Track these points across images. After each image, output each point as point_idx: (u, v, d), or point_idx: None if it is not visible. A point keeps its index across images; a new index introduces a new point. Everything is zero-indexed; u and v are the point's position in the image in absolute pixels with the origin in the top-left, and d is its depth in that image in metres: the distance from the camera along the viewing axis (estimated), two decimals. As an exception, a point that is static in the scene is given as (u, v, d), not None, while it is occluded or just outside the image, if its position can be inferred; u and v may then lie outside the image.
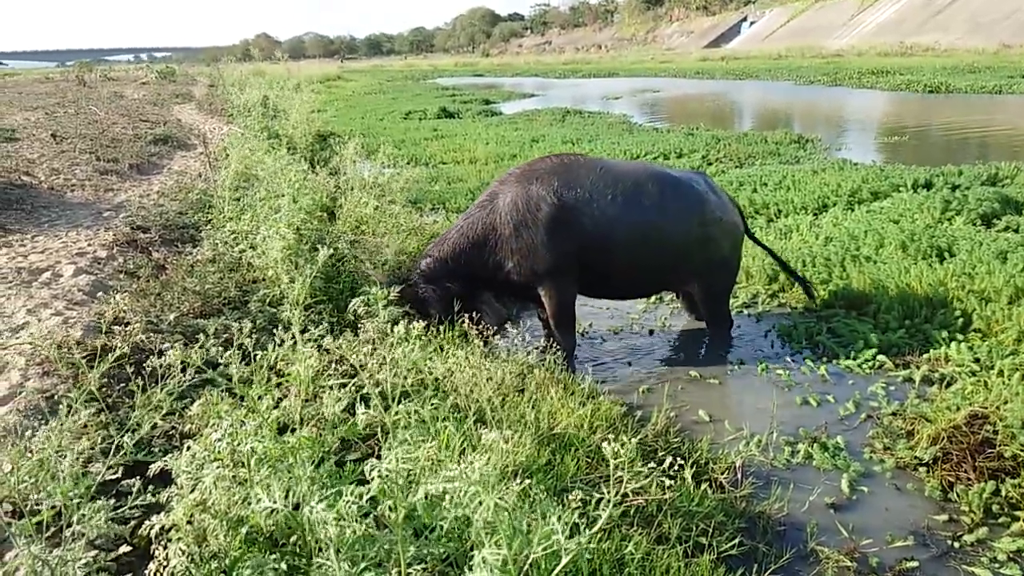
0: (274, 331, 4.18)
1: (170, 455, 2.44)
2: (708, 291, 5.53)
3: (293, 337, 2.83)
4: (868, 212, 8.61)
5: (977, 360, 4.94)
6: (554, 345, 5.34)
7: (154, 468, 2.52)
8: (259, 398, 2.38)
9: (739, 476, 3.71)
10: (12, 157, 9.57)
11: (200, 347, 3.66)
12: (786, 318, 6.04)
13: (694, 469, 3.63)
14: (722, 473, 3.74)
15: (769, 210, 9.10)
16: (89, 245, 5.54)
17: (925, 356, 5.12)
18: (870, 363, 5.12)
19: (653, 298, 6.54)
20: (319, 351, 3.82)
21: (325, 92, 34.72)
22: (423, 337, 4.34)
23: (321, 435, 2.08)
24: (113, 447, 2.55)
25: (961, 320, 5.46)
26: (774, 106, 25.48)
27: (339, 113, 24.20)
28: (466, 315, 4.91)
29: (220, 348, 3.74)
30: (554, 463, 3.36)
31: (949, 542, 3.35)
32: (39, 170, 8.76)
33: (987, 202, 8.35)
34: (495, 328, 4.75)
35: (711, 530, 3.19)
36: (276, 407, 2.68)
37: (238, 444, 2.12)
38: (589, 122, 19.19)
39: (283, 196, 5.66)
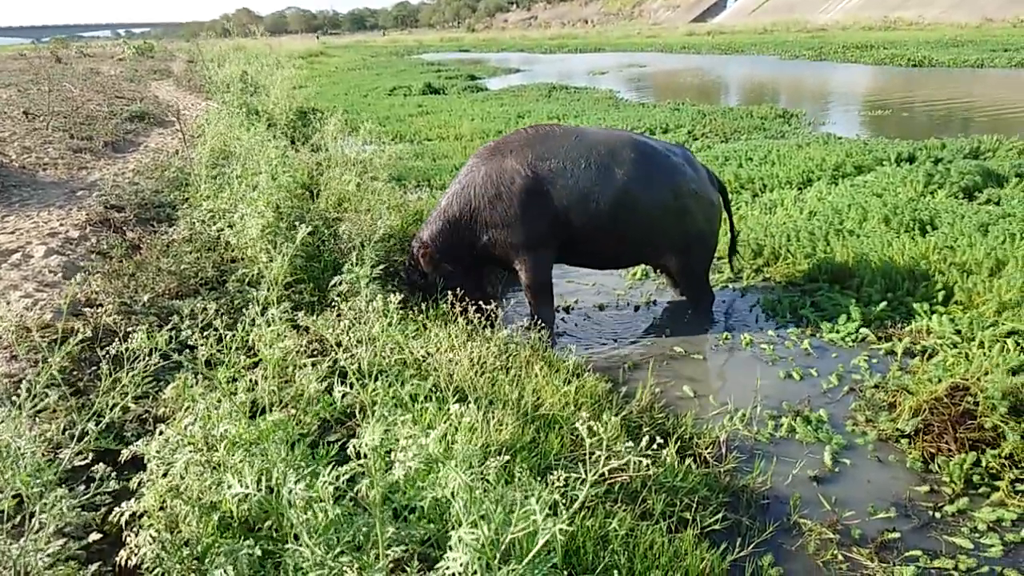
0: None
1: (142, 440, 2.38)
2: (685, 266, 5.48)
3: (267, 315, 2.75)
4: (852, 186, 8.60)
5: (958, 332, 4.95)
6: (536, 320, 5.32)
7: (126, 453, 2.46)
8: (232, 380, 2.32)
9: (723, 451, 3.71)
10: (-18, 136, 9.35)
11: (172, 329, 3.60)
12: (771, 292, 6.03)
13: (678, 444, 3.61)
14: (706, 448, 3.74)
15: (754, 185, 9.07)
16: (61, 225, 5.41)
17: (907, 328, 5.14)
18: (853, 336, 5.13)
19: (639, 273, 6.51)
20: (296, 330, 3.77)
21: (308, 68, 34.22)
22: (403, 314, 4.32)
23: (296, 416, 2.04)
24: (79, 433, 2.49)
25: (943, 292, 5.47)
26: (760, 81, 25.38)
27: (322, 89, 23.86)
28: (451, 295, 4.88)
29: (196, 329, 3.70)
30: (538, 441, 3.34)
31: (930, 513, 3.37)
32: (10, 148, 8.54)
33: (969, 175, 8.37)
34: (480, 308, 4.71)
35: (695, 505, 3.19)
36: (251, 389, 2.63)
37: (210, 428, 2.07)
38: (575, 97, 19.03)
39: (261, 173, 5.56)
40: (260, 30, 26.94)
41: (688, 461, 3.49)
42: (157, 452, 2.14)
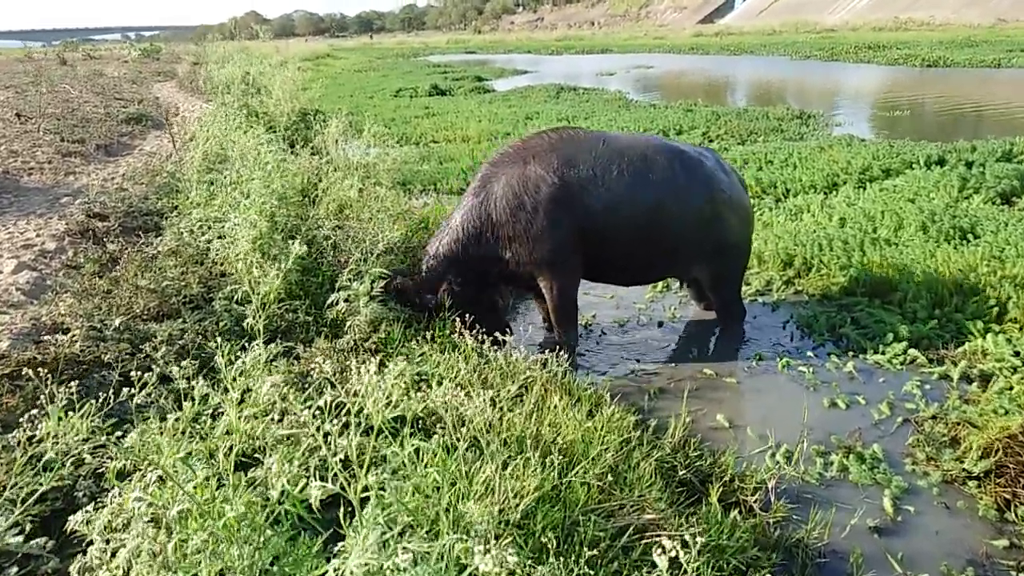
0: (242, 334, 3.71)
1: (88, 509, 1.96)
2: (717, 277, 5.05)
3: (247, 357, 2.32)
4: (881, 191, 8.16)
5: (1017, 354, 4.51)
6: (554, 341, 4.88)
7: (73, 521, 2.04)
8: (197, 437, 1.89)
9: (771, 497, 3.26)
10: (-30, 139, 8.96)
11: (145, 358, 3.17)
12: (804, 307, 5.58)
13: (720, 490, 3.17)
14: (751, 493, 3.29)
15: (776, 189, 8.62)
16: (38, 236, 5.00)
17: (960, 350, 4.69)
18: (901, 358, 4.68)
19: (660, 286, 6.07)
20: (286, 357, 3.35)
21: (313, 69, 33.87)
22: (406, 349, 3.86)
23: (265, 504, 1.61)
24: (20, 495, 2.07)
25: (996, 309, 5.03)
26: (772, 82, 24.89)
27: (327, 91, 23.49)
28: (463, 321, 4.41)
29: (170, 359, 3.27)
30: (560, 489, 2.90)
31: (1012, 573, 2.92)
32: (-5, 152, 8.17)
33: (1006, 179, 7.92)
34: (494, 338, 4.26)
35: (745, 568, 2.74)
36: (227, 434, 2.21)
37: (166, 502, 1.64)
38: (584, 99, 18.60)
39: (255, 180, 5.14)
40: (265, 33, 26.57)
41: (733, 512, 3.04)
42: (99, 533, 1.72)
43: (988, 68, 24.13)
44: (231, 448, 1.71)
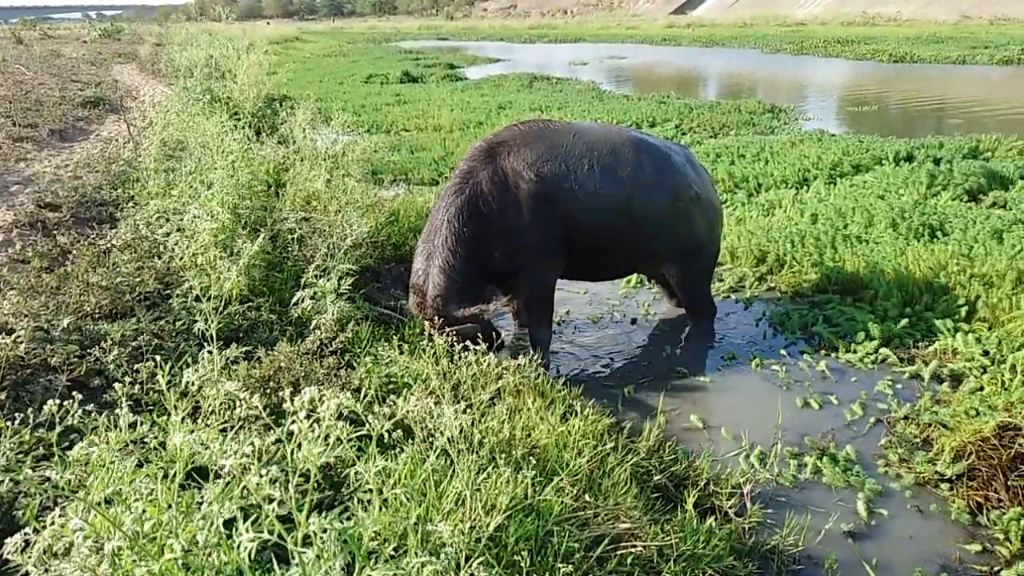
0: (201, 334, 3.54)
1: (26, 530, 1.82)
2: (685, 276, 4.98)
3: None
4: (852, 187, 8.19)
5: (986, 353, 4.51)
6: (528, 337, 4.78)
7: (9, 545, 1.89)
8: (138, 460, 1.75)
9: (746, 502, 3.20)
10: (-87, 122, 8.53)
11: (95, 362, 3.01)
12: (777, 304, 5.56)
13: (695, 496, 3.10)
14: (727, 499, 3.23)
15: (749, 184, 8.61)
16: (-16, 227, 4.77)
17: (931, 349, 4.69)
18: (872, 357, 4.67)
19: (634, 280, 6.00)
20: (247, 360, 3.20)
21: (281, 53, 33.24)
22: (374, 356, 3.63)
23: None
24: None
25: (965, 308, 5.04)
26: (743, 75, 24.99)
27: (295, 76, 23.05)
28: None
29: (126, 359, 3.10)
30: (533, 499, 2.80)
31: (986, 579, 2.91)
32: (-59, 136, 7.79)
33: (973, 176, 8.00)
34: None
35: (720, 577, 2.68)
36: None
37: (105, 535, 1.51)
38: (557, 88, 18.48)
39: (217, 169, 4.94)
40: (229, 14, 25.93)
41: (708, 519, 2.98)
42: (35, 564, 1.58)
43: (953, 64, 24.47)
44: (174, 475, 1.58)
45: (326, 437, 1.35)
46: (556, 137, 4.41)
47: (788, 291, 5.74)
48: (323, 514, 1.47)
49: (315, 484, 1.33)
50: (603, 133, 4.60)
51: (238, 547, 1.29)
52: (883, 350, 4.69)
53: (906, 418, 3.97)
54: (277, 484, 1.26)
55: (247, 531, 1.30)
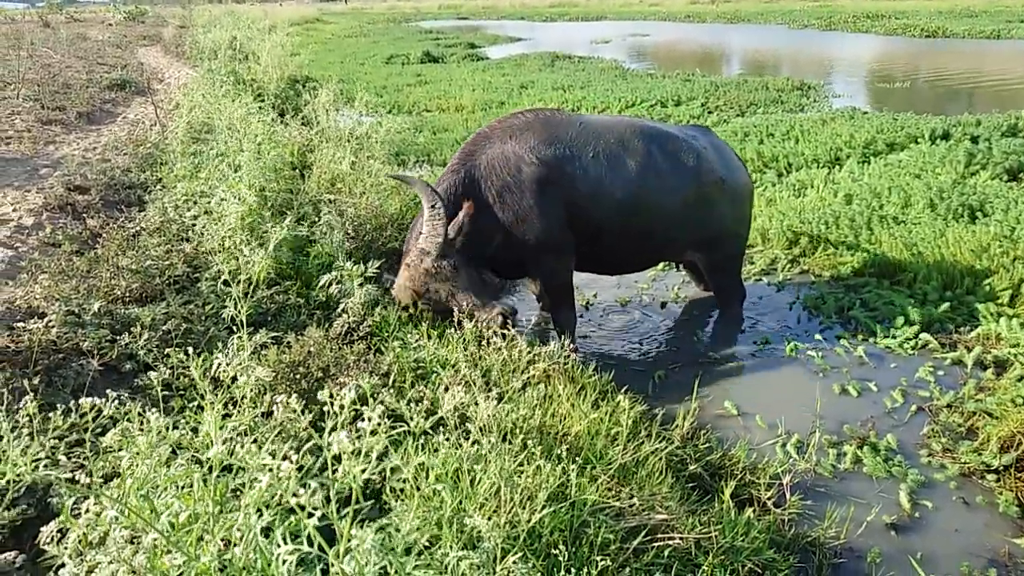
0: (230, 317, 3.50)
1: (59, 520, 1.79)
2: (713, 262, 4.85)
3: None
4: (887, 166, 7.99)
5: (1032, 339, 4.37)
6: (552, 322, 4.71)
7: (45, 532, 1.87)
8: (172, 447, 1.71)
9: (785, 492, 3.12)
10: (-56, 105, 8.57)
11: (126, 347, 2.99)
12: (810, 287, 5.43)
13: (732, 486, 3.03)
14: (765, 489, 3.16)
15: (779, 163, 8.42)
16: (14, 211, 4.74)
17: (974, 334, 4.55)
18: (912, 342, 4.55)
19: (662, 264, 5.88)
20: (277, 345, 3.15)
21: (303, 34, 33.13)
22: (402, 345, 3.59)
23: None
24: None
25: (1008, 291, 4.89)
26: (770, 51, 24.50)
27: (317, 57, 22.95)
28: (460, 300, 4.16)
29: (156, 344, 3.08)
30: (567, 487, 2.74)
31: (1036, 574, 2.81)
32: (-29, 120, 7.82)
33: (1013, 155, 7.76)
34: (493, 305, 4.07)
35: (761, 571, 2.61)
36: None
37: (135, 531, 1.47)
38: (580, 67, 18.22)
39: (244, 152, 4.89)
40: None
41: (747, 510, 2.90)
42: (70, 554, 1.55)
43: (987, 39, 23.81)
44: (208, 468, 1.53)
45: (367, 453, 1.29)
46: (560, 125, 4.29)
47: (822, 274, 5.60)
48: (357, 515, 1.41)
49: (357, 498, 1.26)
50: (610, 122, 4.47)
51: (276, 559, 1.23)
52: (923, 335, 4.56)
53: (949, 406, 3.86)
54: (317, 495, 1.20)
55: (285, 539, 1.24)
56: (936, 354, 4.42)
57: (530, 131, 4.21)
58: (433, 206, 3.82)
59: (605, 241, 4.37)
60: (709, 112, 11.91)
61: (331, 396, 1.37)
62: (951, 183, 6.98)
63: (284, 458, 1.28)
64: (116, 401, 1.76)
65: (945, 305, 4.79)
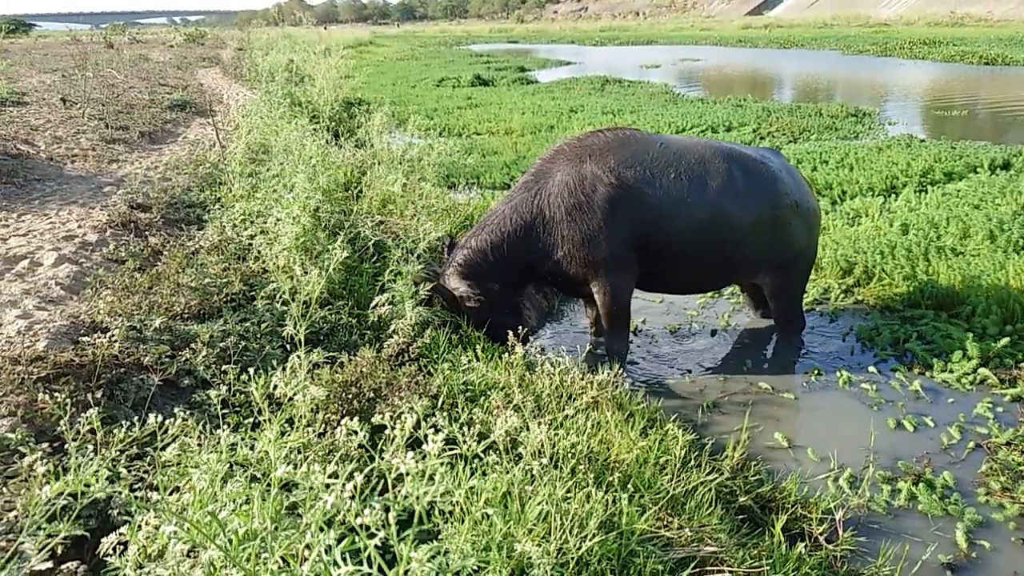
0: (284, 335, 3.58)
1: (119, 532, 1.85)
2: (780, 286, 4.82)
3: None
4: (944, 195, 7.80)
5: (1098, 377, 4.20)
6: (603, 347, 4.71)
7: (106, 543, 1.93)
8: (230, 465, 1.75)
9: (838, 528, 3.05)
10: (15, 123, 8.95)
11: (185, 363, 3.07)
12: (864, 318, 5.32)
13: (784, 519, 2.97)
14: (817, 524, 3.08)
15: (832, 191, 8.29)
16: (79, 227, 4.94)
17: (1036, 371, 4.39)
18: (970, 377, 4.41)
19: (711, 292, 5.83)
20: (330, 365, 3.21)
21: (356, 58, 33.93)
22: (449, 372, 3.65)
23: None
24: (49, 510, 1.96)
25: (1073, 327, 4.71)
26: (823, 77, 24.21)
27: (369, 80, 23.47)
28: (501, 314, 4.30)
29: (214, 360, 3.16)
30: (615, 515, 2.73)
31: (1104, 624, 2.68)
32: (40, 138, 8.13)
33: (1076, 186, 7.50)
34: (536, 325, 4.14)
35: (813, 611, 2.55)
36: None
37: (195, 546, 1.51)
38: (629, 91, 18.27)
39: (299, 173, 5.03)
40: (308, 18, 26.61)
41: (798, 545, 2.84)
42: (134, 565, 1.60)
43: (1051, 66, 23.15)
44: (267, 487, 1.57)
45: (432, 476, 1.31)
46: (640, 145, 4.35)
47: (877, 305, 5.48)
48: (409, 533, 1.43)
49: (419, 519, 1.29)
50: (691, 144, 4.51)
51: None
52: (982, 370, 4.42)
53: (1008, 443, 3.73)
54: (379, 516, 1.23)
55: (345, 559, 1.27)
56: (995, 390, 4.28)
57: (609, 151, 4.27)
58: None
59: (681, 261, 4.43)
60: (761, 138, 11.80)
61: (392, 420, 1.39)
62: (1012, 214, 6.78)
63: (349, 478, 1.31)
64: (180, 418, 1.82)
65: (1005, 340, 4.64)
